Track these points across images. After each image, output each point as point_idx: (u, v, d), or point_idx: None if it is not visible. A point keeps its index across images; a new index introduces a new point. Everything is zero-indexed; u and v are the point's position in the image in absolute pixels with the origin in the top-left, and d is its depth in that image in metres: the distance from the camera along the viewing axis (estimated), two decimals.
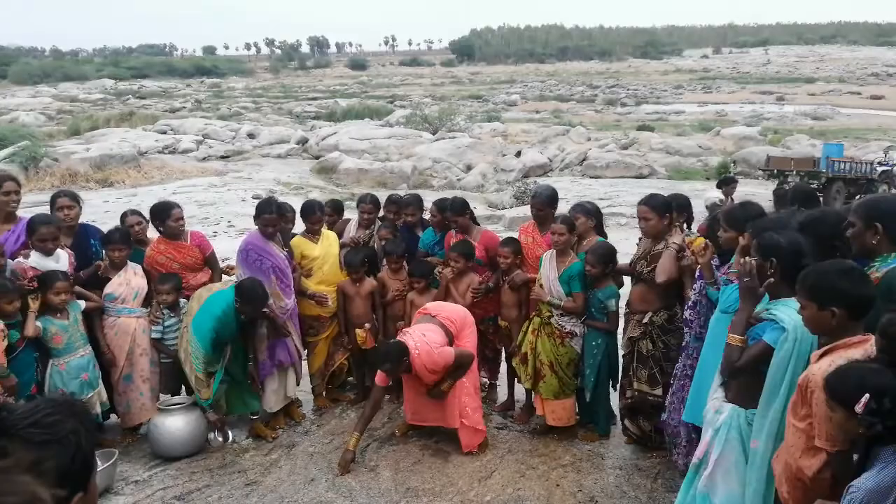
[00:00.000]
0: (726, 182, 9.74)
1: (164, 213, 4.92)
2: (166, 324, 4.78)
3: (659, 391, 4.32)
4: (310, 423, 5.16)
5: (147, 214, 5.09)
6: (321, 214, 5.27)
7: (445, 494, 4.16)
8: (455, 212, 5.12)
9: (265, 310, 4.61)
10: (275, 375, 4.94)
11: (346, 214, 6.10)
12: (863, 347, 2.35)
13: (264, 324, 4.75)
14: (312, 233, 5.24)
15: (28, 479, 1.14)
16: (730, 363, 2.94)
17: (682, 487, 3.36)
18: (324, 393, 5.46)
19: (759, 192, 15.14)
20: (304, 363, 5.36)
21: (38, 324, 4.18)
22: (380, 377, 4.52)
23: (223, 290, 4.61)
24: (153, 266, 4.87)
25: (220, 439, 4.73)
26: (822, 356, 2.48)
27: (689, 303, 3.90)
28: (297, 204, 5.51)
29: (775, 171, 17.09)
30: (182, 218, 5.00)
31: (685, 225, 4.71)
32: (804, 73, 72.74)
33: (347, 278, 5.23)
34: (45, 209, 4.93)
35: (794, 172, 16.61)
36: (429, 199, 6.12)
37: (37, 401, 1.28)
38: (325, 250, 5.24)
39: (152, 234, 5.15)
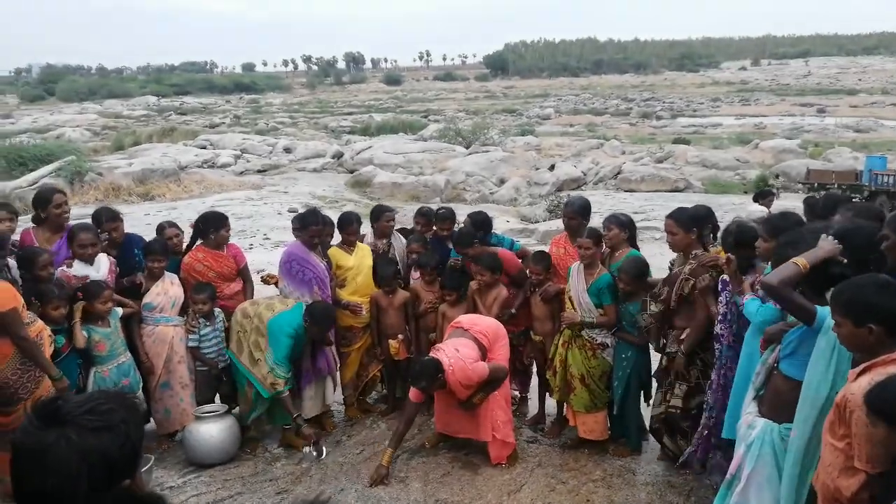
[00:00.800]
0: (763, 195, 9.58)
1: (218, 223, 5.03)
2: (202, 332, 4.88)
3: (692, 404, 4.24)
4: (340, 434, 5.20)
5: (184, 226, 5.24)
6: (357, 226, 5.34)
7: None
8: (463, 245, 5.11)
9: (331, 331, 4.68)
10: (312, 383, 5.02)
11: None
12: None
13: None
14: (348, 244, 5.31)
15: (74, 459, 1.19)
16: (777, 274, 2.81)
17: (716, 502, 3.30)
18: (355, 404, 5.50)
19: (798, 206, 14.85)
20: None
21: (84, 333, 4.32)
22: (414, 394, 4.52)
23: (287, 310, 4.73)
24: (189, 273, 4.99)
25: (315, 454, 4.69)
26: (860, 374, 2.41)
27: (719, 316, 3.84)
28: (332, 217, 5.60)
29: (815, 184, 16.76)
30: (229, 231, 5.13)
31: (711, 236, 4.64)
32: (846, 85, 71.15)
33: (380, 290, 5.28)
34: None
35: (836, 186, 16.25)
36: (461, 212, 6.12)
37: (92, 392, 1.35)
38: (359, 261, 5.31)
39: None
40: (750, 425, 3.03)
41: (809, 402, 2.74)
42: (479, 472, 4.55)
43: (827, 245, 2.81)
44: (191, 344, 4.88)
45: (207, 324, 4.90)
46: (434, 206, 6.15)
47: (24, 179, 17.61)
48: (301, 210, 7.94)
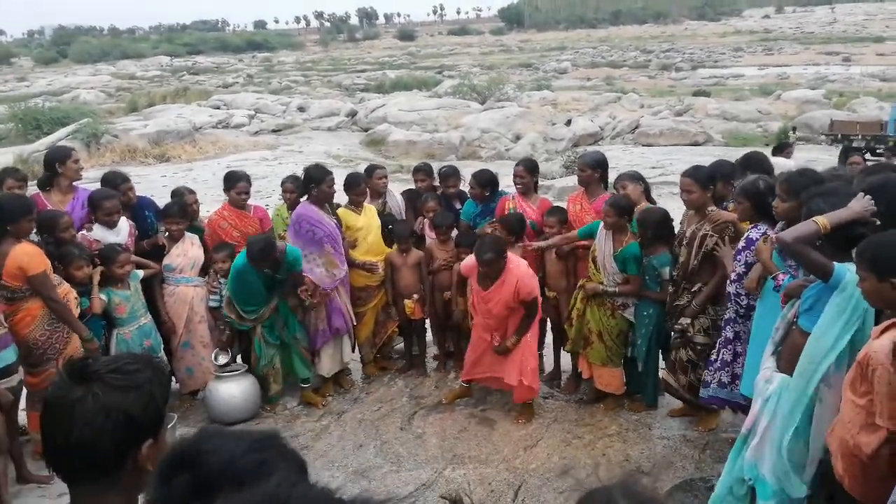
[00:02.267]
0: (781, 148, 9.36)
1: (230, 182, 5.21)
2: (223, 293, 4.93)
3: (707, 341, 4.24)
4: (358, 391, 5.28)
5: (199, 188, 5.26)
6: (365, 186, 5.33)
7: (491, 462, 4.21)
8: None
9: (276, 259, 4.66)
10: (330, 342, 5.09)
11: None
12: None
13: (295, 295, 4.86)
14: (356, 205, 5.29)
15: (99, 415, 1.24)
16: (793, 231, 2.78)
17: (731, 456, 3.32)
18: (372, 361, 5.57)
19: (822, 157, 14.59)
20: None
21: (103, 296, 4.39)
22: (465, 267, 4.65)
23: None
24: (214, 230, 5.08)
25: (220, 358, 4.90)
26: (883, 331, 2.38)
27: (734, 276, 3.80)
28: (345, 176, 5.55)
29: (839, 135, 16.35)
30: (245, 192, 5.20)
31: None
32: (873, 32, 68.78)
33: (394, 249, 5.28)
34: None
35: (860, 137, 15.86)
36: (467, 170, 6.04)
37: (120, 353, 1.39)
38: (367, 221, 5.31)
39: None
40: (767, 380, 3.02)
41: (810, 352, 2.74)
42: (496, 428, 4.61)
43: (857, 206, 2.73)
44: (212, 304, 4.93)
45: (226, 282, 4.94)
46: (448, 164, 6.12)
47: (41, 143, 17.68)
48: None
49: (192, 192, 5.34)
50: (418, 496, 3.90)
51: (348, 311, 5.18)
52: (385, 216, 5.49)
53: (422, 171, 5.73)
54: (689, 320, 4.22)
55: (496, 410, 4.84)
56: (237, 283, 4.68)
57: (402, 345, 5.77)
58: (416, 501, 3.85)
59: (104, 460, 1.25)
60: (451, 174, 5.56)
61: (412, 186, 5.89)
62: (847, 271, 2.64)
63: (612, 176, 5.11)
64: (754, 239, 3.66)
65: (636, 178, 4.74)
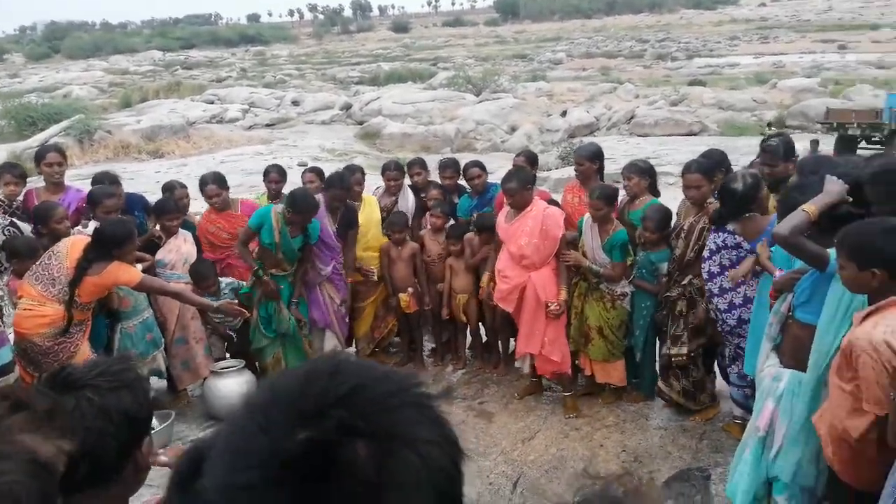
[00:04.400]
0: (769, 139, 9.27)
1: (201, 187, 5.14)
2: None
3: (680, 352, 4.28)
4: None
5: (195, 184, 5.23)
6: (361, 176, 5.32)
7: (489, 454, 4.22)
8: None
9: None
10: (314, 335, 5.10)
11: (375, 181, 6.03)
12: None
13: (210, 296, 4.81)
14: (353, 198, 5.27)
15: (99, 419, 1.22)
16: (787, 224, 2.78)
17: (751, 462, 3.13)
18: (369, 356, 5.56)
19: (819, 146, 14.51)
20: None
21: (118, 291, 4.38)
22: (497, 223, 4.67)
23: None
24: (205, 236, 5.06)
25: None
26: (864, 318, 2.40)
27: (706, 274, 3.88)
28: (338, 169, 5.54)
29: (835, 124, 16.34)
30: (216, 195, 5.06)
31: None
32: (869, 20, 68.71)
33: (389, 241, 5.26)
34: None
35: (855, 125, 15.85)
36: (463, 162, 6.01)
37: (94, 359, 1.37)
38: (367, 217, 5.28)
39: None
40: (775, 377, 3.00)
41: (819, 344, 2.74)
42: (494, 421, 4.62)
43: (834, 188, 2.75)
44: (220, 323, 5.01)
45: (216, 299, 4.94)
46: (448, 156, 6.10)
47: (34, 139, 17.60)
48: (311, 165, 7.86)
49: (183, 186, 5.28)
50: None
51: (329, 307, 5.10)
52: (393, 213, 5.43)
53: (416, 165, 5.70)
54: (676, 349, 4.29)
55: (494, 403, 4.85)
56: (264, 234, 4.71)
57: (398, 338, 5.76)
58: None
59: (108, 464, 1.24)
60: (449, 165, 5.55)
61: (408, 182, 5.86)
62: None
63: (608, 166, 5.08)
64: (731, 245, 3.77)
65: (643, 170, 4.68)
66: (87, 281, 3.90)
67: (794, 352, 2.95)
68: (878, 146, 15.01)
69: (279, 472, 0.64)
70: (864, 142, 15.58)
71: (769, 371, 3.04)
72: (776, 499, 3.00)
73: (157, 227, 4.86)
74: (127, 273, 4.01)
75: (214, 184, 5.06)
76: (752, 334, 3.59)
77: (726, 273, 3.85)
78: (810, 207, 2.72)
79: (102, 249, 3.93)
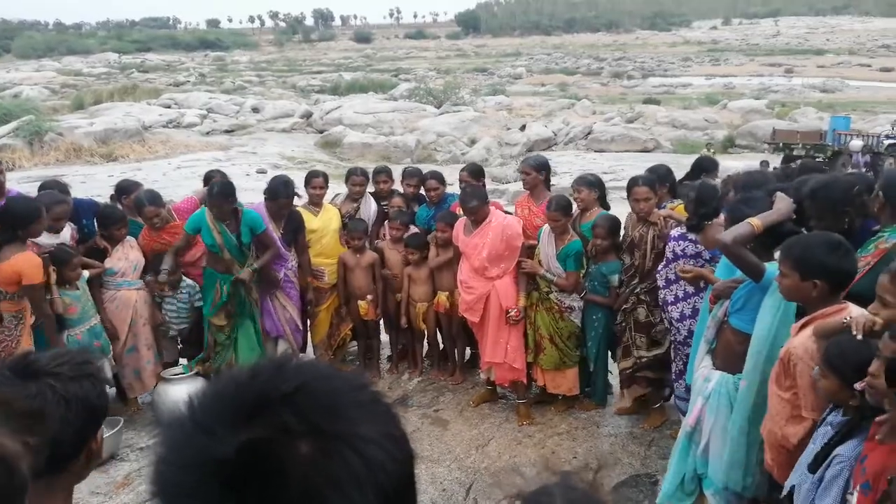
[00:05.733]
0: (704, 170, 9.38)
1: (139, 210, 4.81)
2: (179, 306, 4.90)
3: (659, 350, 4.41)
4: None
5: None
6: (324, 181, 5.34)
7: (443, 461, 4.26)
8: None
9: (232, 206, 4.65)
10: (268, 345, 5.03)
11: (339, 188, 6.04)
12: (839, 316, 2.39)
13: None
14: (314, 203, 5.28)
15: (61, 407, 1.23)
16: (731, 233, 2.87)
17: (678, 453, 3.38)
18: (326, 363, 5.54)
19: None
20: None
21: (64, 298, 4.29)
22: (454, 234, 4.78)
23: None
24: (149, 250, 4.86)
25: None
26: (801, 328, 2.53)
27: (662, 282, 4.07)
28: (300, 178, 5.54)
29: (781, 144, 16.99)
30: (156, 216, 4.75)
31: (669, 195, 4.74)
32: (814, 45, 71.68)
33: (348, 250, 5.27)
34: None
35: (801, 146, 16.51)
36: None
37: (56, 350, 1.38)
38: (324, 224, 5.28)
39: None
40: (706, 378, 3.15)
41: (756, 354, 2.87)
42: (448, 428, 4.66)
43: (783, 207, 2.89)
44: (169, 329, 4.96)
45: (173, 296, 4.89)
46: (411, 166, 6.15)
47: None
48: (270, 173, 7.81)
49: (153, 201, 4.97)
50: None
51: (281, 316, 5.04)
52: (352, 220, 5.42)
53: (383, 174, 5.71)
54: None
55: (449, 410, 4.89)
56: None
57: (356, 347, 5.77)
58: None
59: (65, 453, 1.25)
60: (412, 174, 5.61)
61: (371, 189, 5.88)
62: (776, 270, 2.78)
63: (554, 180, 5.20)
64: (690, 254, 3.95)
65: (592, 183, 4.82)
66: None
67: (725, 355, 3.09)
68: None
69: (217, 472, 0.63)
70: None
71: (702, 372, 3.19)
72: (706, 493, 3.13)
73: (99, 237, 4.69)
74: (31, 270, 3.83)
75: (152, 205, 4.75)
76: (696, 346, 3.71)
77: (681, 282, 3.99)
78: (756, 221, 2.85)
79: (8, 229, 3.80)
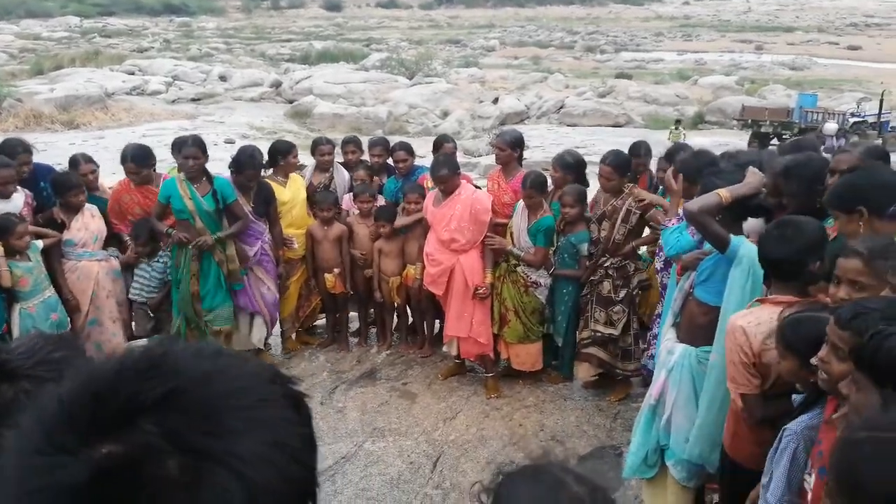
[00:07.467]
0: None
1: (123, 161, 4.83)
2: (152, 274, 4.81)
3: (613, 331, 4.45)
4: (279, 367, 5.19)
5: (113, 157, 4.99)
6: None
7: (411, 434, 4.27)
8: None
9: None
10: (240, 320, 4.98)
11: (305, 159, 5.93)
12: (783, 306, 2.41)
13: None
14: (283, 174, 5.18)
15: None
16: (697, 202, 2.90)
17: (642, 427, 3.39)
18: (293, 336, 5.50)
19: (733, 141, 15.25)
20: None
21: (7, 269, 4.14)
22: (425, 206, 4.78)
23: None
24: (117, 201, 4.79)
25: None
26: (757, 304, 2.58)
27: (660, 264, 4.07)
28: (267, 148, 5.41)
29: (749, 120, 17.19)
30: (134, 173, 4.76)
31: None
32: (784, 22, 72.25)
33: (316, 221, 5.20)
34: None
35: (768, 122, 16.72)
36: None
37: (29, 338, 1.27)
38: (294, 194, 5.20)
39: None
40: (669, 351, 3.18)
41: (721, 329, 2.90)
42: (416, 401, 4.67)
43: (753, 180, 2.91)
44: (132, 297, 4.82)
45: (149, 265, 4.80)
46: (377, 136, 6.07)
47: None
48: (238, 143, 7.65)
49: (89, 160, 4.99)
50: (337, 469, 3.92)
51: (257, 290, 4.98)
52: (320, 191, 5.34)
53: (351, 143, 5.66)
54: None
55: (417, 384, 4.90)
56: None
57: (324, 320, 5.73)
58: (335, 475, 3.87)
59: None
60: (378, 143, 5.55)
61: (340, 159, 5.79)
62: (742, 243, 2.81)
63: (527, 154, 5.18)
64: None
65: (568, 166, 4.79)
66: None
67: (688, 327, 3.13)
68: None
69: (64, 499, 0.53)
70: (776, 139, 16.46)
71: (665, 345, 3.22)
72: (668, 464, 3.19)
73: (57, 208, 4.54)
74: None
75: (133, 162, 4.76)
76: (664, 320, 3.75)
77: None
78: (724, 193, 2.87)
79: None
